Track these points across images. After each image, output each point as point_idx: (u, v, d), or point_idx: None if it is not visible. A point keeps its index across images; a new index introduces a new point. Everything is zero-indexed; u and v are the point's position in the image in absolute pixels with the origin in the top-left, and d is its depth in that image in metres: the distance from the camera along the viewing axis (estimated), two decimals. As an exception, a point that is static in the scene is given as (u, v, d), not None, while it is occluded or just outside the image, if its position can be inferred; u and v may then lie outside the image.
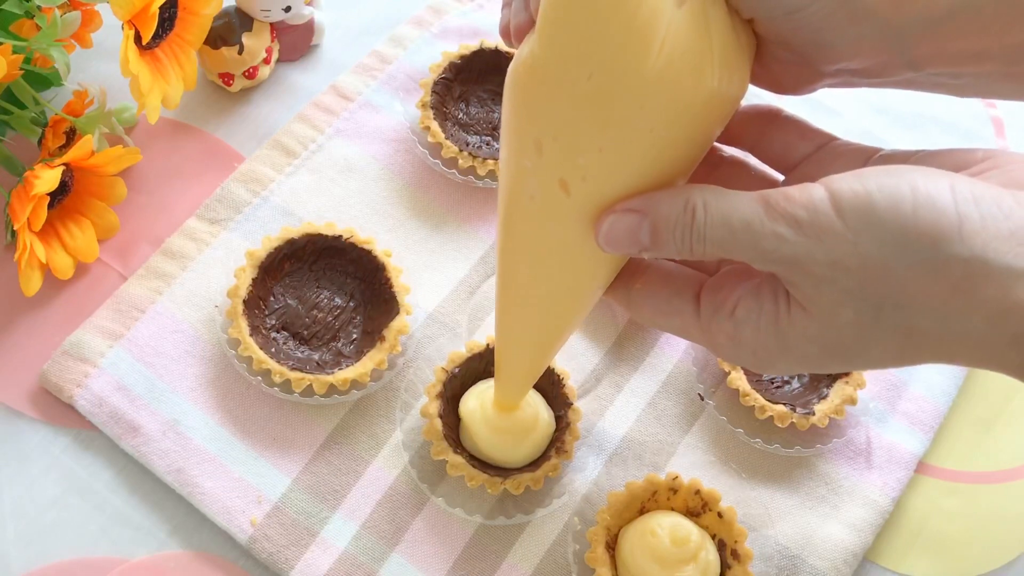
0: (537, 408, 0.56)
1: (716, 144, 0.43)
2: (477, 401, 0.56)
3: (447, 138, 0.65)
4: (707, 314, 0.40)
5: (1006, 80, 0.40)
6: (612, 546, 0.54)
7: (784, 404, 0.59)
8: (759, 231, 0.36)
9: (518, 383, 0.52)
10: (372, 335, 0.59)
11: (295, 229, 0.61)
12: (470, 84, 0.68)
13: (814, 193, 0.36)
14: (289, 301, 0.60)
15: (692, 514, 0.55)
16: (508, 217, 0.42)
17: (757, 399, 0.59)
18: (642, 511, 0.56)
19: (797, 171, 0.43)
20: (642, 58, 0.35)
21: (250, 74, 0.68)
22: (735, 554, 0.54)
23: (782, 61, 0.40)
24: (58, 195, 0.60)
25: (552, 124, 0.37)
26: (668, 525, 0.53)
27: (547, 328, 0.46)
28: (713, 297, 0.40)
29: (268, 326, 0.59)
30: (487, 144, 0.67)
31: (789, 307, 0.38)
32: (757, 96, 0.45)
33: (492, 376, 0.56)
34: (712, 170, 0.44)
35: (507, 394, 0.53)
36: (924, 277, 0.35)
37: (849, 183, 0.35)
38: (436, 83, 0.66)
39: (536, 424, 0.56)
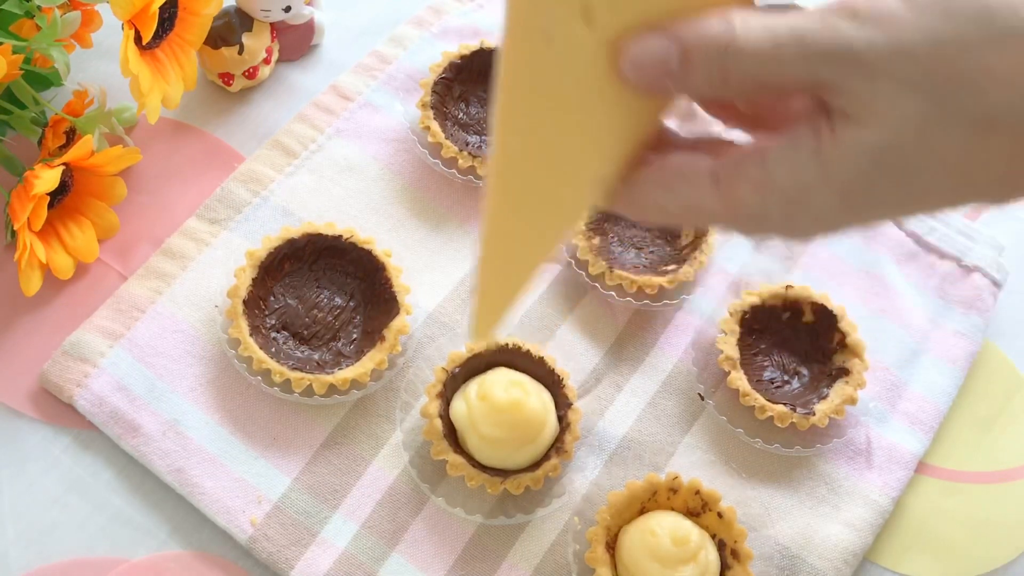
0: (542, 416, 0.56)
1: None
2: (465, 405, 0.56)
3: (447, 138, 0.65)
4: (728, 173, 0.36)
5: None
6: (612, 546, 0.54)
7: (784, 404, 0.59)
8: (809, 30, 0.33)
9: (502, 301, 0.42)
10: (372, 335, 0.59)
11: (295, 229, 0.61)
12: (470, 84, 0.68)
13: None
14: (289, 301, 0.60)
15: (692, 514, 0.55)
16: (513, 74, 0.34)
17: (757, 399, 0.59)
18: (642, 511, 0.56)
19: None
20: None
21: (250, 74, 0.68)
22: (735, 554, 0.54)
23: None
24: (58, 195, 0.60)
25: None
26: (668, 525, 0.53)
27: (546, 224, 0.39)
28: (734, 161, 0.36)
29: (268, 326, 0.59)
30: (487, 144, 0.67)
31: (833, 128, 0.34)
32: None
33: (483, 378, 0.57)
34: None
35: (489, 316, 0.41)
36: (1004, 51, 0.32)
37: None
38: (436, 83, 0.66)
39: (537, 435, 0.56)
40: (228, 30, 0.66)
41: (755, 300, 0.62)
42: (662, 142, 0.39)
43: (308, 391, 0.57)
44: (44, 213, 0.57)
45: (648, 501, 0.55)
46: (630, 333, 0.63)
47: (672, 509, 0.55)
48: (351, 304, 0.61)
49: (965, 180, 0.34)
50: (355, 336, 0.60)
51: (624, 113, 0.36)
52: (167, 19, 0.61)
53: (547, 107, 0.35)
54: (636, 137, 0.38)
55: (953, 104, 0.33)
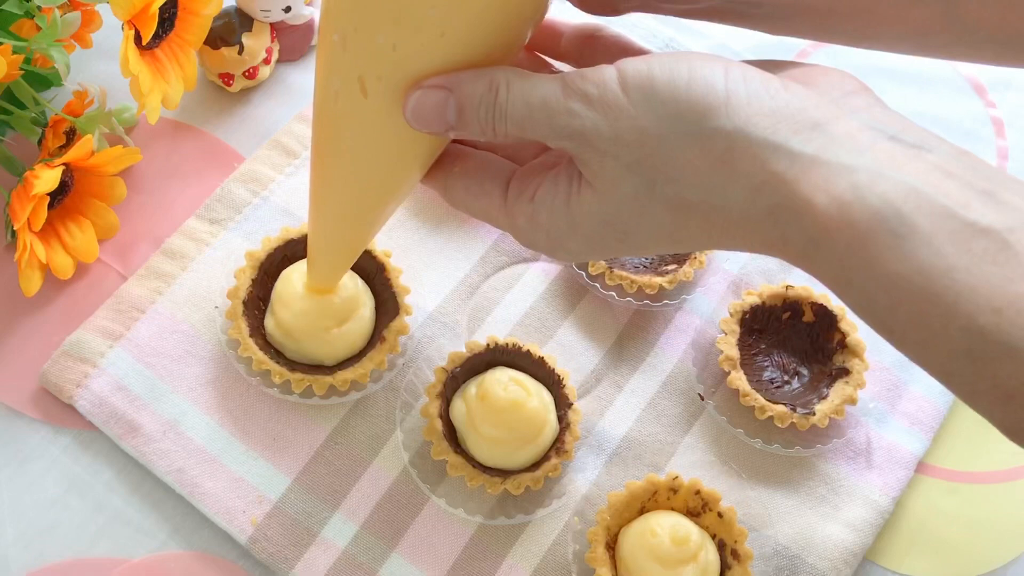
0: (542, 416, 0.56)
1: (547, 59, 0.47)
2: (465, 405, 0.56)
3: (447, 138, 0.65)
4: (512, 197, 0.42)
5: (807, 18, 0.43)
6: (612, 546, 0.54)
7: (784, 404, 0.59)
8: (554, 107, 0.38)
9: (333, 268, 0.52)
10: (372, 335, 0.59)
11: (295, 229, 0.61)
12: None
13: (605, 72, 0.38)
14: (289, 301, 0.60)
15: (692, 514, 0.55)
16: (318, 114, 0.43)
17: (757, 399, 0.59)
18: (642, 511, 0.56)
19: None
20: None
21: (250, 74, 0.68)
22: (735, 554, 0.54)
23: None
24: (58, 195, 0.60)
25: (351, 17, 0.39)
26: (668, 525, 0.53)
27: (362, 215, 0.47)
28: (520, 183, 0.43)
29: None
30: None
31: (580, 187, 0.40)
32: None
33: (483, 377, 0.57)
34: None
35: (320, 278, 0.54)
36: (692, 148, 0.37)
37: (636, 63, 0.38)
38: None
39: (537, 435, 0.56)
40: (228, 30, 0.66)
41: (755, 300, 0.62)
42: None
43: (308, 392, 0.57)
44: (44, 213, 0.57)
45: (648, 501, 0.55)
46: (630, 333, 0.63)
47: (672, 509, 0.55)
48: (351, 304, 0.61)
49: (675, 243, 0.40)
50: (355, 336, 0.60)
51: (419, 134, 0.42)
52: (167, 19, 0.61)
53: (346, 138, 0.43)
54: (440, 142, 0.44)
55: (658, 188, 0.38)
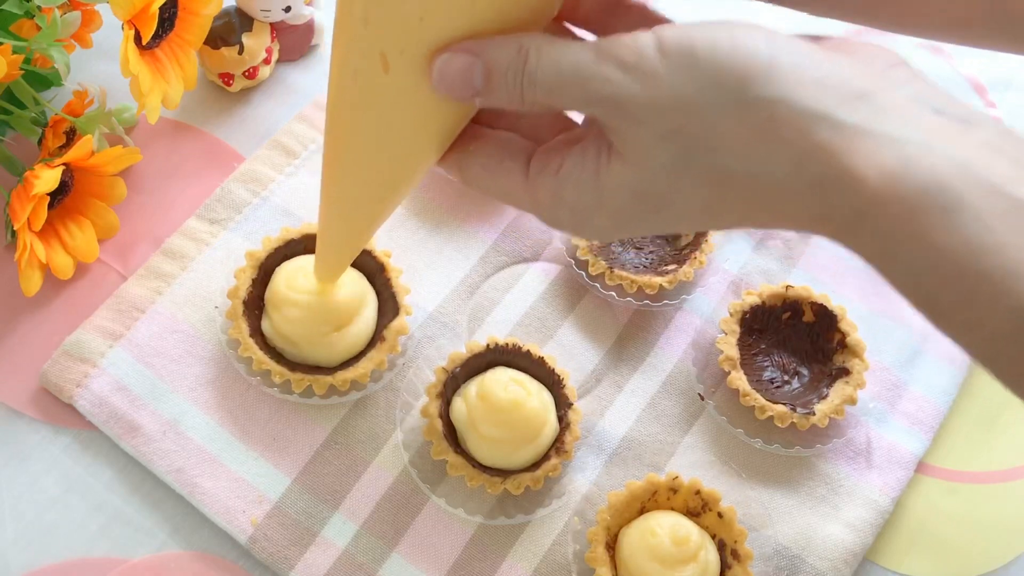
0: (542, 416, 0.56)
1: (569, 26, 0.45)
2: (465, 405, 0.56)
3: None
4: (535, 173, 0.41)
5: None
6: (612, 546, 0.54)
7: (784, 404, 0.59)
8: (587, 73, 0.37)
9: (341, 256, 0.51)
10: (372, 335, 0.59)
11: (295, 229, 0.61)
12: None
13: (642, 38, 0.36)
14: (289, 301, 0.60)
15: (692, 514, 0.55)
16: (335, 96, 0.41)
17: (757, 399, 0.59)
18: (642, 511, 0.56)
19: None
20: None
21: (250, 74, 0.68)
22: (735, 554, 0.54)
23: None
24: (58, 195, 0.60)
25: None
26: (668, 525, 0.53)
27: (375, 200, 0.46)
28: (543, 157, 0.41)
29: (268, 326, 0.59)
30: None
31: (610, 158, 0.38)
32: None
33: (483, 377, 0.57)
34: None
35: (327, 269, 0.53)
36: (733, 117, 0.35)
37: (675, 30, 0.36)
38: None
39: (537, 435, 0.56)
40: (228, 30, 0.66)
41: (755, 300, 0.62)
42: (493, 113, 0.43)
43: (308, 391, 0.57)
44: (44, 213, 0.57)
45: (648, 501, 0.55)
46: (630, 333, 0.63)
47: (672, 509, 0.55)
48: (351, 304, 0.61)
49: (710, 217, 0.39)
50: (355, 336, 0.60)
51: (440, 108, 0.41)
52: (167, 19, 0.61)
53: (364, 113, 0.41)
54: (460, 119, 0.42)
55: (695, 159, 0.37)
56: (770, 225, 0.38)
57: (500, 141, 0.43)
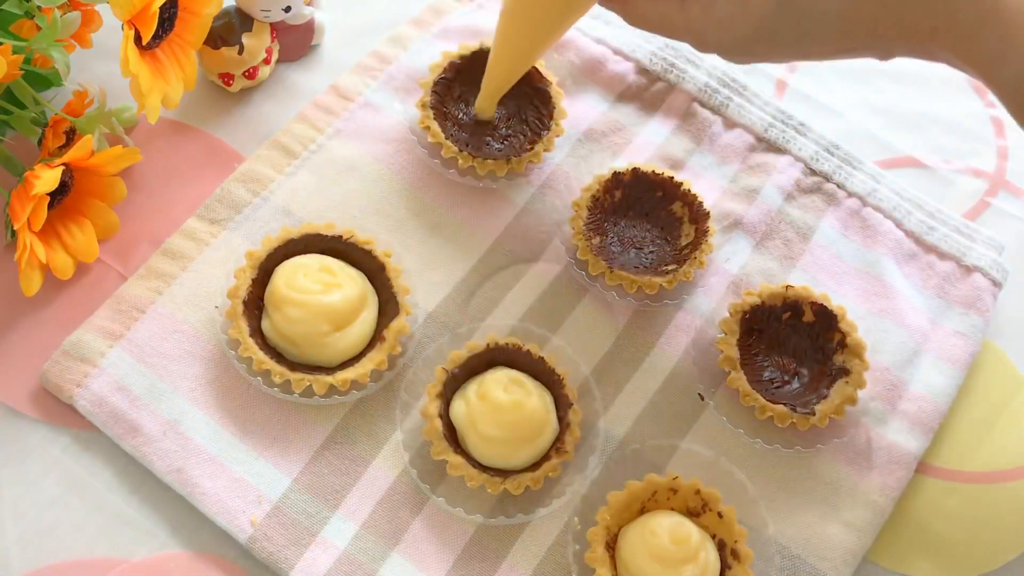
0: (542, 416, 0.56)
1: None
2: (465, 405, 0.56)
3: (447, 138, 0.65)
4: None
5: None
6: (612, 546, 0.54)
7: (784, 404, 0.59)
8: None
9: (499, 87, 0.63)
10: (372, 335, 0.59)
11: (295, 229, 0.61)
12: (470, 84, 0.68)
13: None
14: (289, 301, 0.60)
15: (692, 514, 0.55)
16: None
17: (757, 399, 0.59)
18: (642, 511, 0.56)
19: None
20: None
21: (250, 74, 0.68)
22: (735, 554, 0.54)
23: None
24: (58, 195, 0.60)
25: None
26: (668, 525, 0.53)
27: (547, 31, 0.58)
28: None
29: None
30: (487, 144, 0.67)
31: None
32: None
33: (483, 377, 0.57)
34: None
35: (490, 96, 0.64)
36: None
37: None
38: (436, 83, 0.66)
39: (537, 435, 0.56)
40: (228, 30, 0.66)
41: (755, 300, 0.62)
42: None
43: (308, 391, 0.57)
44: (44, 213, 0.57)
45: (648, 501, 0.55)
46: (630, 333, 0.63)
47: (672, 509, 0.55)
48: (351, 304, 0.61)
49: (844, 31, 0.44)
50: (355, 336, 0.60)
51: None
52: (167, 19, 0.61)
53: None
54: None
55: None
56: (892, 43, 0.43)
57: None
